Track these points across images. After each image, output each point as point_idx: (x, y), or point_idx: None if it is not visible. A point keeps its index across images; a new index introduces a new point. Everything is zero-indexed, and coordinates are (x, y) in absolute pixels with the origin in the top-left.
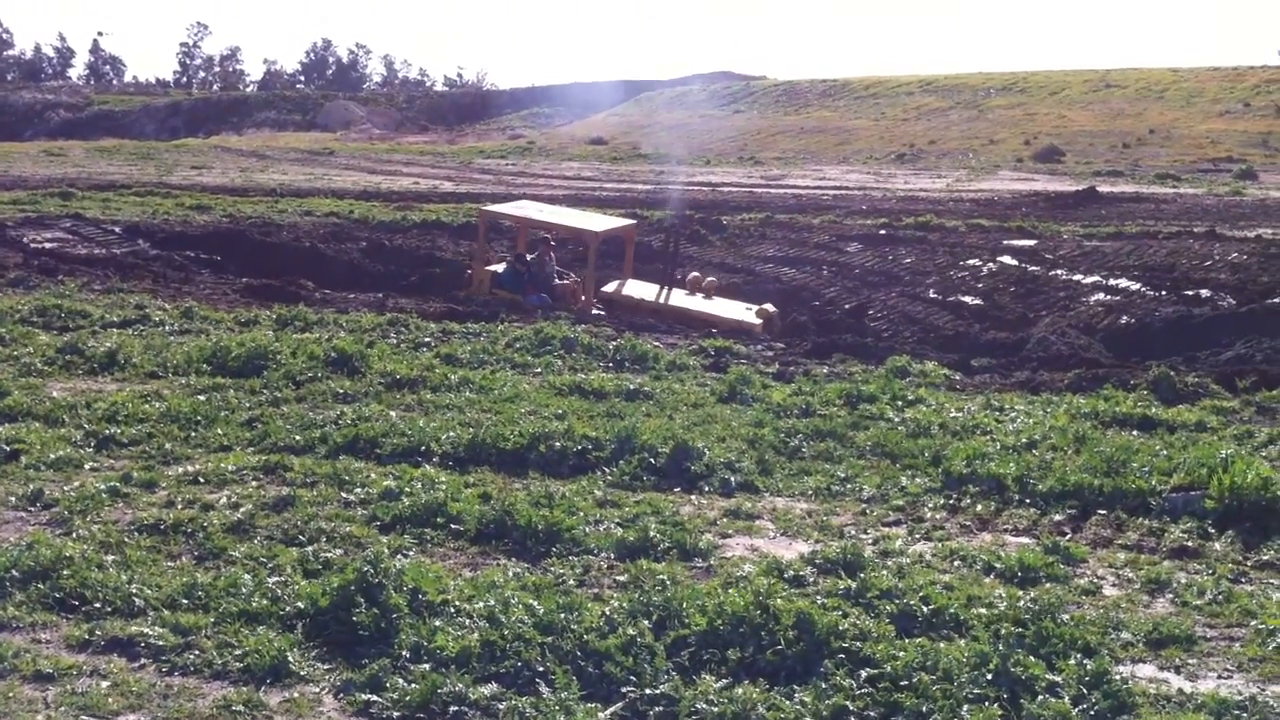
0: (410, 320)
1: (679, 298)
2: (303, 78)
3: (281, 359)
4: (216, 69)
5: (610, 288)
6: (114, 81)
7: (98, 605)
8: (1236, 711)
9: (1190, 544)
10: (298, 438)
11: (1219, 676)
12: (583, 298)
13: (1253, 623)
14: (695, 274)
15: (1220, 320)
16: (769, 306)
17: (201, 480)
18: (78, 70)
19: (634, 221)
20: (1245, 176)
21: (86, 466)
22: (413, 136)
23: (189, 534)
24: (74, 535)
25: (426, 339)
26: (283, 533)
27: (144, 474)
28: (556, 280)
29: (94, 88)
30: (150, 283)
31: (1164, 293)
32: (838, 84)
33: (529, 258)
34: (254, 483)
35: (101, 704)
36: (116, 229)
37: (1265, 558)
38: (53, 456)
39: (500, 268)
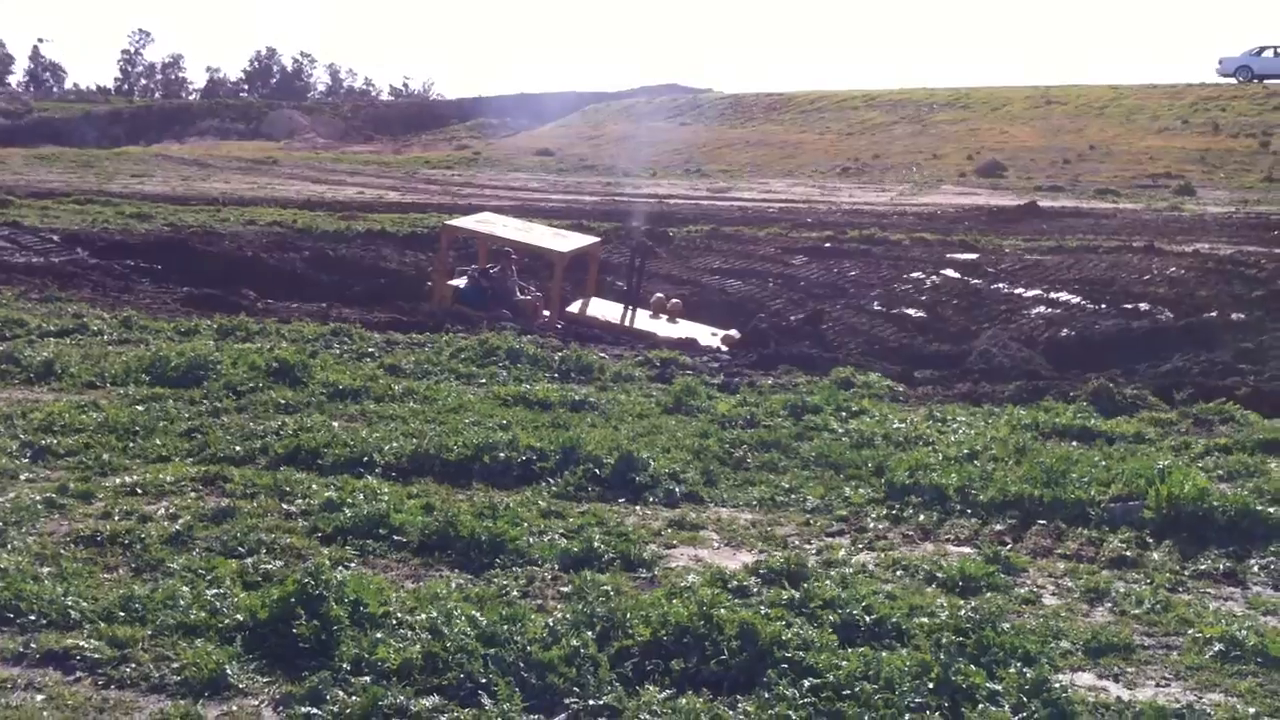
0: (354, 330)
1: (643, 320)
2: (246, 86)
3: (222, 369)
4: (159, 76)
5: (574, 307)
6: (54, 88)
7: (33, 618)
8: (1174, 719)
9: (1128, 554)
10: (238, 448)
11: (1157, 685)
12: (545, 313)
13: (1189, 631)
14: (659, 295)
15: (1159, 333)
16: (734, 332)
17: (139, 491)
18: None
19: (599, 240)
20: (1183, 192)
21: (22, 477)
22: (358, 146)
23: (126, 545)
24: (9, 547)
25: (370, 349)
26: (222, 544)
27: (81, 485)
28: (519, 295)
29: (34, 94)
30: (89, 292)
31: (1104, 306)
32: (783, 98)
33: (491, 272)
34: (193, 494)
35: (36, 718)
36: (55, 237)
37: (1202, 567)
38: None
39: (462, 282)
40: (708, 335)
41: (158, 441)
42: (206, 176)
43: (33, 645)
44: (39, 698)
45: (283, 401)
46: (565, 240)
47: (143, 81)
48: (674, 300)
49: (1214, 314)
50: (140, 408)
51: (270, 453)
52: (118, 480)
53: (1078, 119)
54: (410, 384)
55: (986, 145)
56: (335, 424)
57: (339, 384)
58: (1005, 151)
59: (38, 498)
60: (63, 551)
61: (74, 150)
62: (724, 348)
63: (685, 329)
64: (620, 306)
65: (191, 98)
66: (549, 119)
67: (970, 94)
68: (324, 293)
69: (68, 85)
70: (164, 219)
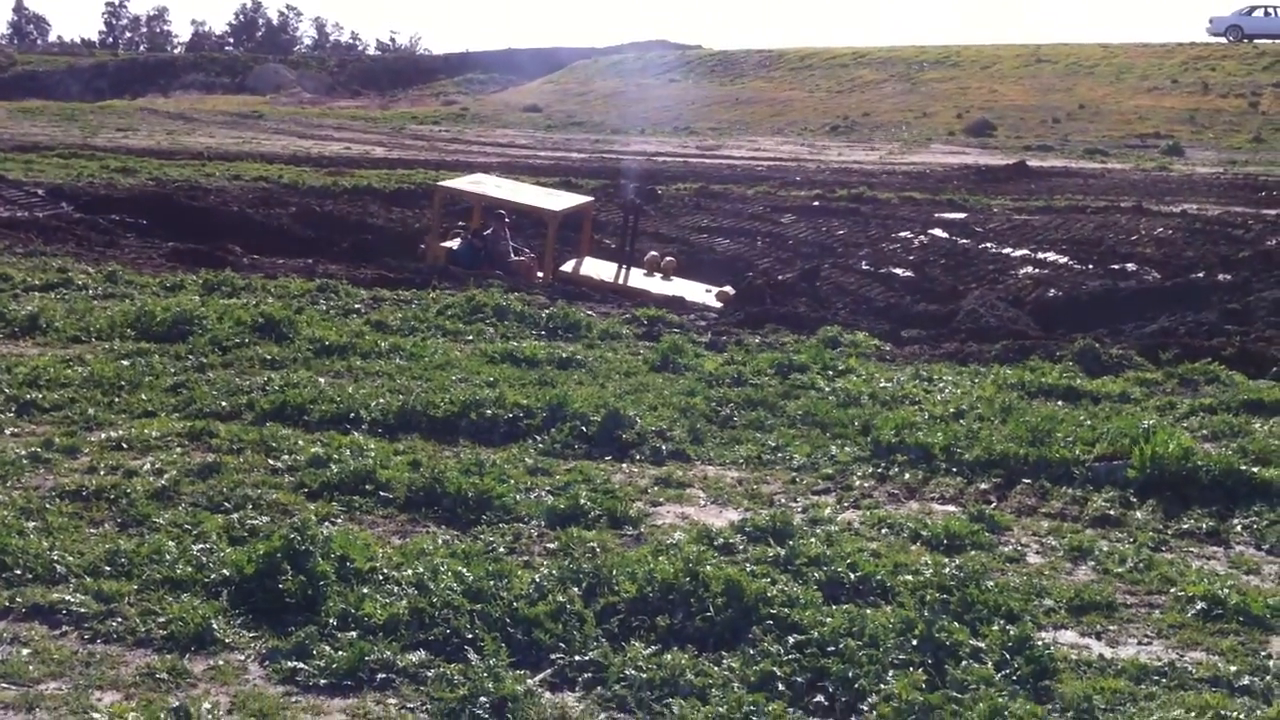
0: (340, 286)
1: (638, 278)
2: (231, 40)
3: (208, 324)
4: (143, 29)
5: (568, 267)
6: (38, 41)
7: (18, 572)
8: (1156, 677)
9: (1112, 513)
10: (224, 404)
11: (1139, 642)
12: (539, 274)
13: (1172, 590)
14: (653, 253)
15: (1145, 294)
16: (728, 289)
17: (125, 446)
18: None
19: (592, 199)
20: (1172, 152)
21: (7, 432)
22: (344, 101)
23: (112, 500)
24: None
25: (357, 305)
26: (208, 500)
27: (66, 440)
28: (512, 256)
29: (17, 47)
30: (74, 246)
31: (1091, 266)
32: (773, 55)
33: (485, 233)
34: (179, 449)
35: (22, 671)
36: (39, 191)
37: (1185, 526)
38: None
39: (455, 244)
40: (702, 292)
41: (143, 396)
42: (191, 131)
43: (18, 599)
44: (25, 651)
45: (269, 357)
46: (558, 199)
47: (127, 34)
48: (668, 258)
49: (1201, 275)
50: (125, 363)
51: (256, 408)
52: (103, 435)
53: (1067, 78)
54: (397, 340)
55: (976, 104)
56: (321, 380)
57: (325, 340)
58: (995, 110)
59: (22, 452)
60: (48, 506)
61: (58, 104)
62: (719, 304)
63: (680, 287)
64: (614, 265)
65: (176, 51)
66: (537, 75)
67: (960, 52)
68: (310, 249)
69: (51, 38)
70: (149, 173)
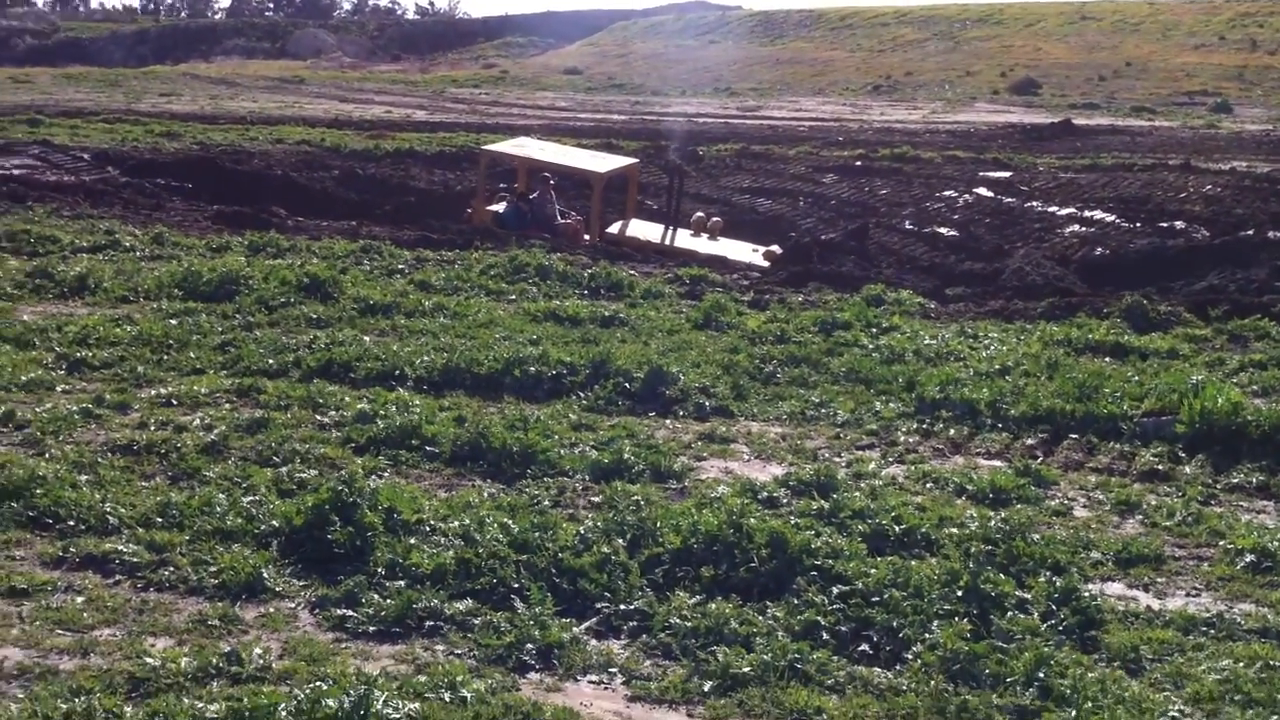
0: (384, 247)
1: (684, 239)
2: (271, 5)
3: (254, 284)
4: None
5: (614, 228)
6: (80, 8)
7: (71, 523)
8: (1204, 628)
9: (1160, 467)
10: (270, 361)
11: (1187, 595)
12: (585, 237)
13: (1221, 543)
14: (700, 214)
15: (1194, 252)
16: (775, 248)
17: (174, 402)
18: None
19: (637, 160)
20: (1220, 110)
21: (58, 389)
22: (384, 65)
23: (162, 455)
24: (46, 455)
25: (400, 266)
26: (256, 454)
27: (116, 396)
28: (559, 219)
29: (60, 14)
30: (120, 209)
31: (1139, 225)
32: (813, 14)
33: (531, 196)
34: (227, 405)
35: (77, 618)
36: (85, 156)
37: (1234, 481)
38: (24, 379)
39: (501, 207)
40: (749, 252)
41: (191, 354)
42: (234, 95)
43: (72, 550)
44: (79, 600)
45: (314, 316)
46: (603, 161)
47: (168, 1)
48: (715, 219)
49: (1250, 232)
50: (174, 322)
51: (303, 366)
52: (153, 392)
53: (1113, 35)
54: (440, 300)
55: (1020, 62)
56: (366, 338)
57: (370, 299)
58: (1039, 68)
59: (74, 408)
60: (100, 460)
61: (101, 70)
62: (766, 264)
63: (726, 247)
64: (660, 227)
65: (217, 17)
66: (576, 37)
67: (1003, 10)
68: (353, 211)
69: (94, 5)
70: (193, 138)
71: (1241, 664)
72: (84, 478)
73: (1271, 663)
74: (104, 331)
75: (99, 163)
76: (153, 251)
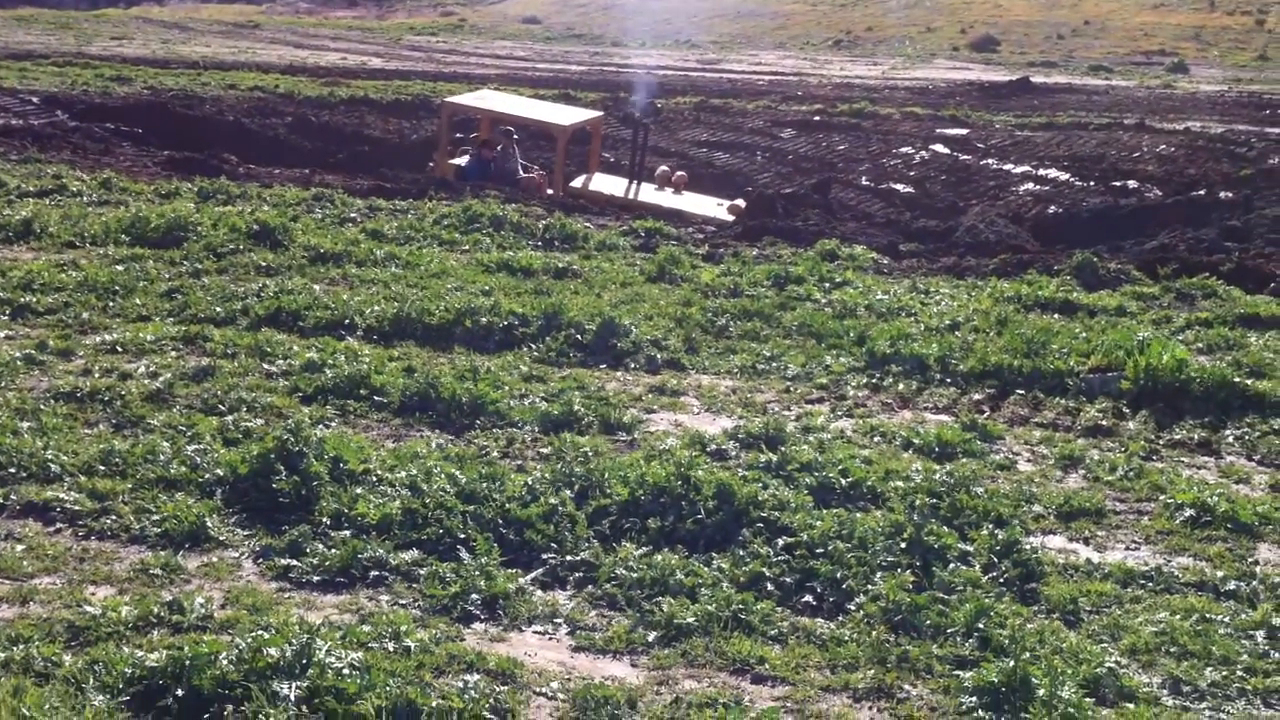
0: (336, 196)
1: (648, 193)
2: None
3: (202, 230)
4: None
5: (577, 182)
6: None
7: (12, 470)
8: (1141, 581)
9: (1105, 423)
10: (218, 309)
11: (1126, 548)
12: (549, 191)
13: (1161, 497)
14: (664, 168)
15: (1146, 212)
16: (740, 202)
17: (120, 349)
18: None
19: (601, 114)
20: (1177, 70)
21: (1, 334)
22: (341, 11)
23: (106, 402)
24: None
25: (352, 214)
26: (202, 402)
27: (60, 342)
28: (521, 173)
29: None
30: (69, 154)
31: (1092, 184)
32: None
33: (497, 149)
34: (173, 353)
35: (16, 567)
36: (34, 99)
37: (1177, 436)
38: None
39: (463, 160)
40: (714, 206)
41: (138, 301)
42: (187, 40)
43: (12, 497)
44: (19, 548)
45: (263, 264)
46: (567, 114)
47: None
48: (679, 173)
49: (1203, 192)
50: (120, 268)
51: (251, 314)
52: (98, 338)
53: None
54: (392, 249)
55: (980, 19)
56: (316, 287)
57: (320, 248)
58: (999, 25)
59: (17, 354)
60: (42, 407)
61: (52, 11)
62: (731, 217)
63: (691, 201)
64: (624, 181)
65: None
66: None
67: None
68: (306, 159)
69: None
70: (144, 82)
71: (1178, 616)
72: (26, 424)
73: (1207, 615)
74: (49, 277)
75: (48, 107)
76: (100, 197)
